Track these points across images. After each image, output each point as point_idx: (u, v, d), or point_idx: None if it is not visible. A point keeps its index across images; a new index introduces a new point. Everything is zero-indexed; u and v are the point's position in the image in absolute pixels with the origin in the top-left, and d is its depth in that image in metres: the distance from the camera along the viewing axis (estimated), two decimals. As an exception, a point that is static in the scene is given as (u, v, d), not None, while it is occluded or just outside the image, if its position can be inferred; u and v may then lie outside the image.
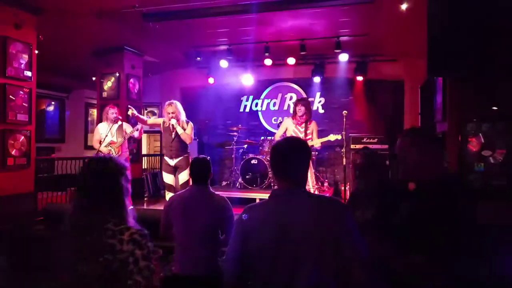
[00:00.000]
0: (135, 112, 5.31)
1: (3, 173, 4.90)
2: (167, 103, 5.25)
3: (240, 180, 7.69)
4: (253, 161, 7.58)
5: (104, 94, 7.52)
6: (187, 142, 5.19)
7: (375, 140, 6.70)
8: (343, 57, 7.45)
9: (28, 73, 5.25)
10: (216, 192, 2.92)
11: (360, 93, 8.15)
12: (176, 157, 5.16)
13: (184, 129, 5.15)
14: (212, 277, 2.67)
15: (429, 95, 5.67)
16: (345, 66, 7.93)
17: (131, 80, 7.61)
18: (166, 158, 5.26)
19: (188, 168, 4.10)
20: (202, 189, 2.79)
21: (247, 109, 9.12)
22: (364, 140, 6.68)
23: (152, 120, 5.75)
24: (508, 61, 3.23)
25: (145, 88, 8.40)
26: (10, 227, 4.35)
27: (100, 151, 5.43)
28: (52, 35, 5.76)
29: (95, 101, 8.48)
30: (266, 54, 7.16)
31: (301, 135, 5.46)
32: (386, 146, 6.51)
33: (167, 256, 2.78)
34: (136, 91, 7.78)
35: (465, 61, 3.43)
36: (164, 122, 5.30)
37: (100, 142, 5.51)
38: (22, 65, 5.16)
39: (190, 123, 5.26)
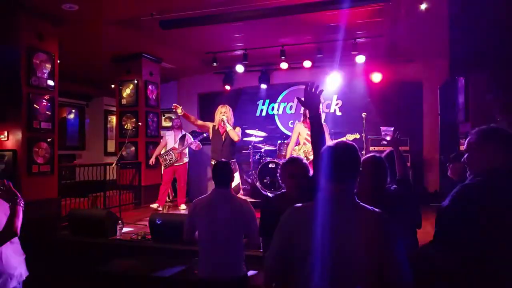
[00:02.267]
0: (182, 110, 5.68)
1: (29, 179, 5.04)
2: (221, 105, 5.59)
3: (258, 184, 7.68)
4: (270, 165, 7.55)
5: (123, 101, 7.65)
6: (235, 139, 5.44)
7: (394, 142, 6.62)
8: (360, 59, 7.40)
9: (51, 82, 5.39)
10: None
11: (378, 95, 8.06)
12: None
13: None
14: (235, 282, 2.68)
15: (450, 95, 5.58)
16: (362, 67, 7.86)
17: (149, 86, 7.73)
18: (214, 162, 5.39)
19: (238, 172, 5.20)
20: (224, 193, 2.81)
21: (264, 113, 9.12)
22: (383, 142, 6.60)
23: (201, 122, 5.90)
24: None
25: (163, 94, 8.50)
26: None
27: (160, 155, 6.63)
28: (73, 44, 5.90)
29: (114, 108, 8.62)
30: (282, 57, 7.17)
31: None
32: (406, 148, 6.41)
33: (191, 260, 2.80)
34: (154, 98, 7.88)
35: (488, 60, 3.38)
36: (213, 126, 5.49)
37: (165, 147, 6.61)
38: (45, 75, 5.31)
39: (238, 127, 5.61)
